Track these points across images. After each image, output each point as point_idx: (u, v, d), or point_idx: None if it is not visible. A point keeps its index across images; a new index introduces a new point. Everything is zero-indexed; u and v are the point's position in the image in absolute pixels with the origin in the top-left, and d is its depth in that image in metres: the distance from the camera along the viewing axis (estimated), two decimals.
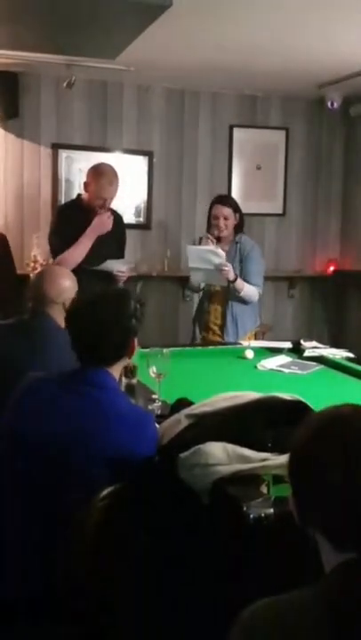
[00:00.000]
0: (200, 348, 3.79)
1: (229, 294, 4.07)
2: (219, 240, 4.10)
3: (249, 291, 4.04)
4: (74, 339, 1.96)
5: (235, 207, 4.14)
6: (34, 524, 1.82)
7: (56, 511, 1.80)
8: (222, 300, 4.13)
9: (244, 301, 4.07)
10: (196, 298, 4.51)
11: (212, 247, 4.00)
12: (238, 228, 4.17)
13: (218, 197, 4.29)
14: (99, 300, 1.99)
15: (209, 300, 4.22)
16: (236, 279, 3.97)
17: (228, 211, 4.08)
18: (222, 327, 4.11)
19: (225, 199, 4.26)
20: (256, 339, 4.36)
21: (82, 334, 1.95)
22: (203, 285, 4.23)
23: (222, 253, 3.96)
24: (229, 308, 4.10)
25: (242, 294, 4.02)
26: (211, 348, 3.78)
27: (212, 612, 1.72)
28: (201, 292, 4.32)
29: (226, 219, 4.07)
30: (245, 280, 4.03)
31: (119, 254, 4.30)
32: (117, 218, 4.37)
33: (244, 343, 3.79)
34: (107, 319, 1.93)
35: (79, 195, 4.28)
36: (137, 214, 5.82)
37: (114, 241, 4.29)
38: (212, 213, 4.12)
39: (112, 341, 1.94)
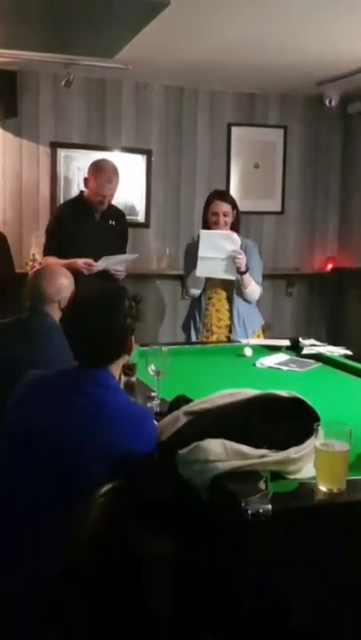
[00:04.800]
0: (199, 346, 3.80)
1: (233, 293, 3.91)
2: None
3: (255, 286, 3.91)
4: (71, 340, 1.96)
5: (233, 203, 3.97)
6: (35, 521, 1.83)
7: (56, 508, 1.81)
8: (225, 300, 3.96)
9: (246, 299, 3.92)
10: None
11: (227, 232, 3.80)
12: (235, 226, 3.98)
13: (216, 193, 4.06)
14: (93, 301, 1.98)
15: (208, 302, 4.00)
16: (246, 271, 3.80)
17: (227, 207, 3.89)
18: (229, 328, 3.93)
19: (224, 195, 4.05)
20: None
21: (78, 336, 1.95)
22: (200, 290, 4.00)
23: (238, 239, 3.78)
24: (235, 308, 3.92)
25: (247, 290, 3.87)
26: (210, 345, 3.78)
27: (209, 606, 1.73)
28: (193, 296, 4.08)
29: (225, 215, 3.88)
30: None
31: (121, 251, 4.33)
32: (120, 215, 4.40)
33: (243, 341, 3.79)
34: (102, 319, 1.92)
35: (82, 192, 4.30)
36: (135, 213, 5.82)
37: (116, 238, 4.32)
38: (211, 209, 3.90)
39: (109, 341, 1.94)
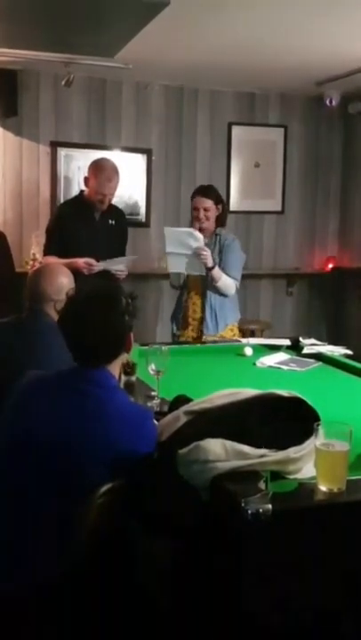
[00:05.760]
0: (199, 345, 3.80)
1: (207, 285, 3.97)
2: (200, 232, 3.96)
3: (226, 281, 3.94)
4: (68, 341, 1.95)
5: (216, 199, 4.00)
6: (35, 521, 1.83)
7: (57, 508, 1.81)
8: (200, 293, 4.03)
9: (220, 293, 3.97)
10: None
11: (189, 229, 3.88)
12: (220, 220, 4.04)
13: (199, 188, 4.09)
14: (88, 302, 1.96)
15: (187, 294, 4.10)
16: (213, 267, 3.86)
17: (208, 202, 3.95)
18: (201, 320, 4.02)
19: (206, 191, 4.05)
20: (245, 335, 4.33)
21: (76, 337, 1.94)
22: (182, 280, 4.10)
23: (200, 236, 3.84)
24: (208, 301, 3.99)
25: (218, 284, 3.92)
26: (210, 345, 3.78)
27: (210, 606, 1.72)
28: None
29: (206, 210, 3.94)
30: (224, 272, 3.93)
31: (121, 251, 4.33)
32: (120, 215, 4.40)
33: (243, 340, 3.79)
34: (98, 320, 1.91)
35: (82, 191, 4.30)
36: (136, 212, 5.82)
37: (116, 237, 4.32)
38: (193, 205, 3.99)
39: (107, 341, 1.94)
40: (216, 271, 3.89)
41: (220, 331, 4.03)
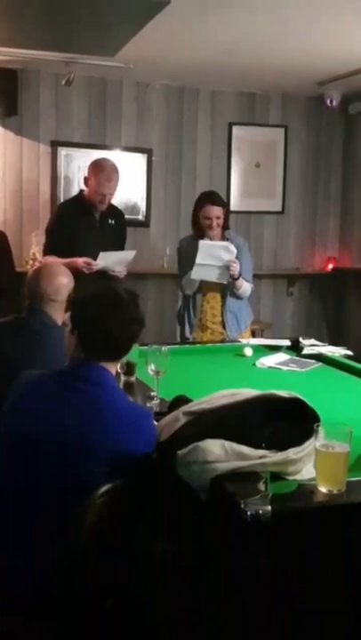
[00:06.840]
0: (199, 345, 3.80)
1: (226, 291, 4.02)
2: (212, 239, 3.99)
3: (246, 286, 4.03)
4: (96, 334, 1.94)
5: (223, 204, 4.03)
6: (35, 521, 1.83)
7: (56, 508, 1.80)
8: (219, 297, 4.07)
9: (239, 297, 4.05)
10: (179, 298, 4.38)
11: (224, 243, 3.91)
12: (226, 223, 4.06)
13: (207, 197, 4.03)
14: (126, 300, 2.00)
15: (203, 298, 4.10)
16: (239, 277, 3.92)
17: (219, 211, 3.94)
18: (223, 324, 4.05)
19: (214, 198, 4.01)
20: (253, 335, 4.36)
21: (109, 332, 1.93)
22: (195, 289, 4.09)
23: (234, 250, 3.88)
24: (228, 305, 4.05)
25: (240, 291, 4.01)
26: (209, 345, 3.78)
27: (209, 606, 1.72)
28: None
29: (218, 218, 3.93)
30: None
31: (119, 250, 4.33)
32: (119, 215, 4.40)
33: (243, 341, 3.80)
34: (134, 318, 1.99)
35: (81, 191, 4.31)
36: (136, 212, 5.82)
37: (115, 237, 4.32)
38: (204, 214, 3.94)
39: (133, 338, 2.00)
40: (240, 280, 3.96)
41: (243, 332, 4.09)
